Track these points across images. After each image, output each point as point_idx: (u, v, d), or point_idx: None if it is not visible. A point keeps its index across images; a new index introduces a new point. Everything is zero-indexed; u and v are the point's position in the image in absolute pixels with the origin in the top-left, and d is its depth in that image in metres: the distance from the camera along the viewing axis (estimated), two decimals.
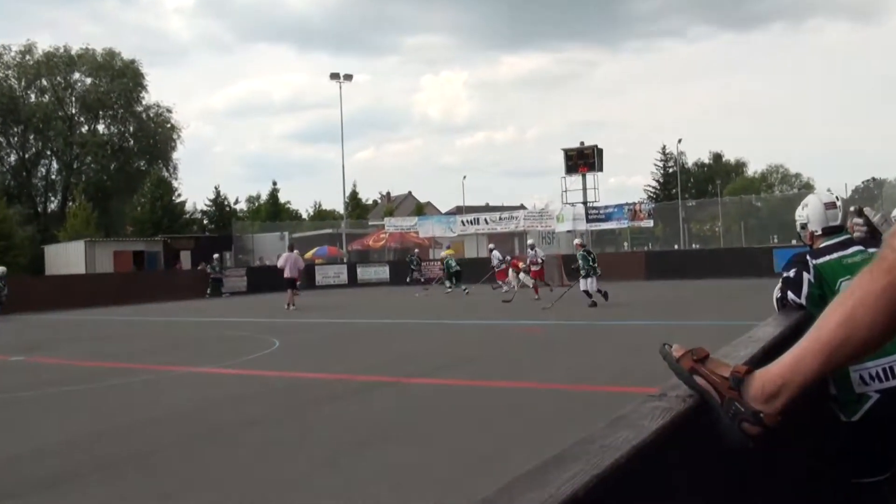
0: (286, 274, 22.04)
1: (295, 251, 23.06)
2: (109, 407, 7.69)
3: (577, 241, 19.06)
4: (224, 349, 12.48)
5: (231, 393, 8.20)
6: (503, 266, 26.57)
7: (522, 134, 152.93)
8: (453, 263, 26.72)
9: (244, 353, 11.52)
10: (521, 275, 27.26)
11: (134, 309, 24.62)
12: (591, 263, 17.80)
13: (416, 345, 12.23)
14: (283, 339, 13.43)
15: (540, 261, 24.82)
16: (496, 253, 27.33)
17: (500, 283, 26.08)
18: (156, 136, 52.50)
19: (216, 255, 31.19)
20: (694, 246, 38.87)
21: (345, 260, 43.08)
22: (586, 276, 17.76)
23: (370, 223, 54.64)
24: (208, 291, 29.94)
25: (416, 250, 32.78)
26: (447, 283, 25.78)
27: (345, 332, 14.75)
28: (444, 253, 29.79)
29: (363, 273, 35.74)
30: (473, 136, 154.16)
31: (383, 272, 35.73)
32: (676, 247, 36.83)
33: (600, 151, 35.76)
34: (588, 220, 33.09)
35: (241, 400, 7.71)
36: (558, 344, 11.47)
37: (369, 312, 19.37)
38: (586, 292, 17.79)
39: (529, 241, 27.50)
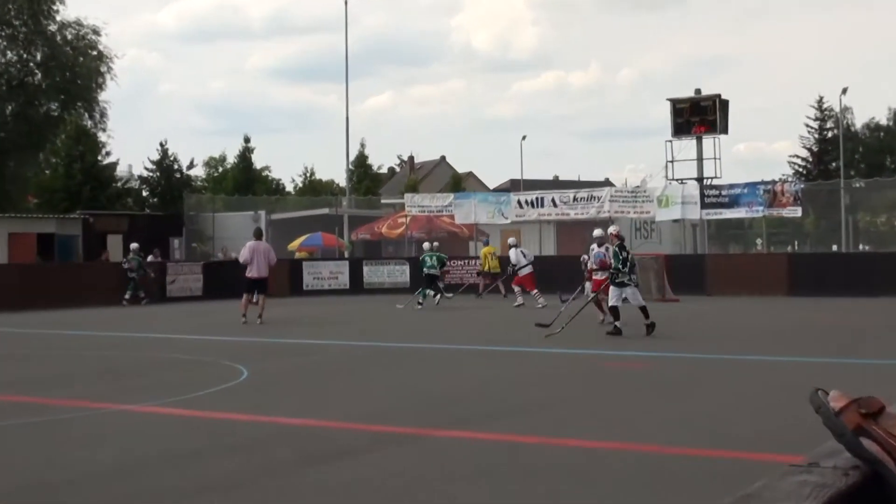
0: (251, 272, 22.08)
1: (263, 241, 22.98)
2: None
3: (612, 228, 18.89)
4: (171, 379, 12.62)
5: (177, 444, 8.24)
6: (525, 271, 27.13)
7: (611, 76, 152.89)
8: (429, 261, 27.88)
9: (198, 386, 11.63)
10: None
11: (38, 318, 25.01)
12: (623, 265, 17.44)
13: (448, 381, 12.26)
14: (253, 366, 13.54)
15: (526, 263, 26.31)
16: (518, 252, 27.34)
17: (525, 292, 26.63)
18: (75, 69, 52.36)
19: (134, 245, 31.61)
20: (862, 247, 38.48)
21: (346, 254, 43.32)
22: (620, 284, 17.42)
23: (384, 201, 54.96)
24: (126, 296, 30.29)
25: (435, 243, 32.04)
26: (424, 296, 27.27)
27: (343, 360, 14.83)
28: (426, 245, 30.33)
29: (372, 274, 35.93)
30: (539, 77, 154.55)
31: (401, 273, 35.83)
32: (835, 248, 36.47)
33: (725, 104, 35.62)
34: (704, 205, 32.92)
35: (191, 455, 7.74)
36: (658, 386, 11.43)
37: (379, 331, 19.43)
38: (613, 309, 17.43)
39: (511, 240, 28.38)
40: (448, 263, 30.28)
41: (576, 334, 17.79)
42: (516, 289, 26.87)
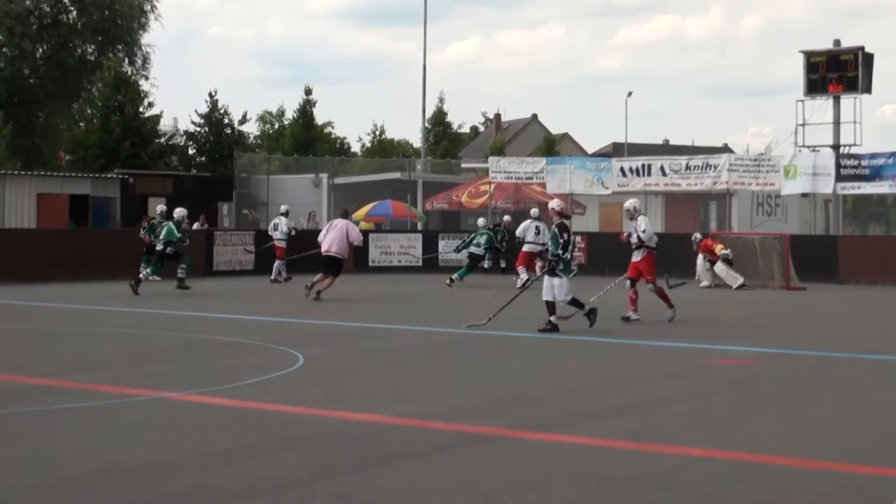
0: (330, 248, 22.50)
1: (348, 220, 23.58)
2: (29, 448, 7.98)
3: (554, 203, 17.68)
4: (216, 364, 12.85)
5: (220, 438, 8.41)
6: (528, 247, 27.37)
7: (734, 23, 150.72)
8: (477, 239, 29.13)
9: (246, 373, 11.80)
10: (719, 265, 27.36)
11: (68, 290, 25.52)
12: (563, 250, 16.67)
13: (532, 375, 12.32)
14: (309, 352, 13.72)
15: (541, 243, 26.24)
16: (536, 226, 27.45)
17: (525, 273, 26.67)
18: (115, 6, 51.46)
19: (160, 209, 27.75)
20: None
21: (419, 226, 43.45)
22: (553, 272, 16.62)
23: (464, 165, 54.95)
24: (146, 273, 25.71)
25: (507, 217, 32.54)
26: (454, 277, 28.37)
27: (414, 348, 14.99)
28: (480, 221, 31.75)
29: (448, 249, 35.96)
30: (649, 23, 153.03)
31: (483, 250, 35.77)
32: None
33: (868, 58, 34.88)
34: (840, 178, 32.40)
35: (235, 452, 7.89)
36: (771, 386, 11.36)
37: (456, 315, 19.48)
38: (549, 303, 16.63)
39: (534, 212, 28.83)
40: (501, 242, 29.57)
41: (673, 325, 17.70)
42: (727, 273, 27.67)
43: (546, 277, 16.80)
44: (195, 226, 33.68)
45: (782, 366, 13.25)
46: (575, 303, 16.89)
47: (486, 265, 30.62)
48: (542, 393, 10.87)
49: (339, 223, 22.93)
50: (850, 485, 7.10)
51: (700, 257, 28.79)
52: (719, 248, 28.13)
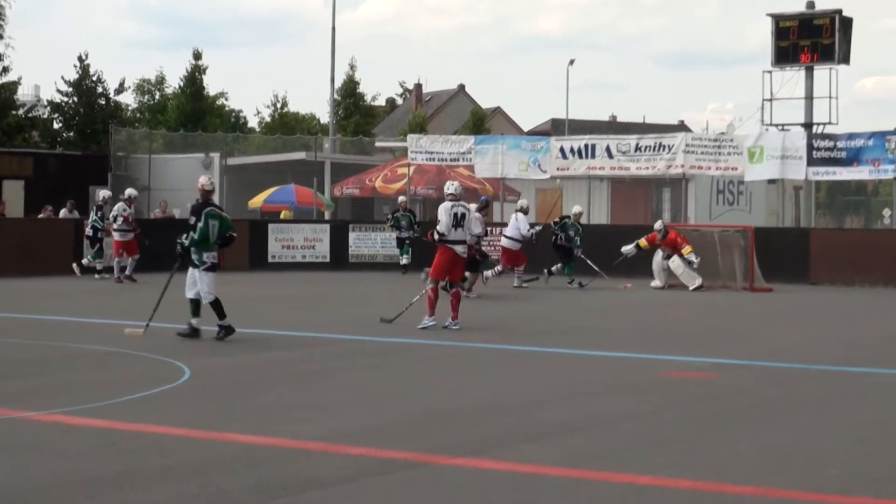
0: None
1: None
2: None
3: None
4: (85, 378, 12.71)
5: (87, 466, 8.30)
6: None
7: None
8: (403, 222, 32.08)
9: (121, 389, 11.70)
10: (675, 261, 27.51)
11: None
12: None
13: (459, 390, 12.32)
14: (197, 363, 13.64)
15: (530, 235, 28.10)
16: (519, 219, 28.83)
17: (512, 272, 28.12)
18: None
19: (104, 195, 30.75)
20: None
21: (326, 215, 43.32)
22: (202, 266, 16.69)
23: (379, 143, 54.92)
24: (88, 260, 30.03)
25: (402, 199, 35.41)
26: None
27: (319, 358, 14.94)
28: (401, 199, 34.96)
29: (360, 242, 36.02)
30: None
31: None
32: None
33: (847, 23, 35.38)
34: (812, 161, 32.68)
35: (105, 481, 7.80)
36: (735, 403, 11.52)
37: (369, 321, 19.44)
38: (193, 302, 16.77)
39: (522, 203, 29.80)
40: (418, 227, 33.04)
41: (625, 334, 17.83)
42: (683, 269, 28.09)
43: (190, 270, 16.76)
44: (62, 213, 33.32)
45: (745, 379, 13.39)
46: (216, 306, 16.56)
47: (404, 260, 31.46)
48: (471, 411, 10.88)
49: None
50: None
51: (658, 253, 28.77)
52: (687, 251, 27.97)
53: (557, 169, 36.20)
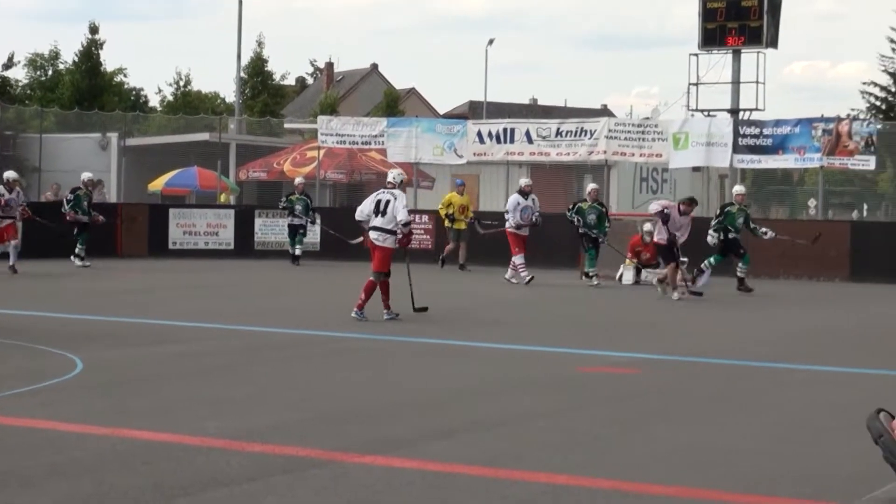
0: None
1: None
2: None
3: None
4: None
5: None
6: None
7: None
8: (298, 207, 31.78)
9: (9, 381, 11.63)
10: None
11: None
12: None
13: (370, 385, 12.34)
14: (91, 356, 13.52)
15: (534, 220, 26.99)
16: (516, 200, 27.74)
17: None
18: None
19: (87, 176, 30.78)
20: None
21: (231, 199, 43.08)
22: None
23: (287, 125, 54.72)
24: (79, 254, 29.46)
25: (299, 180, 34.75)
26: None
27: (221, 351, 14.88)
28: (298, 180, 34.16)
29: (266, 229, 35.84)
30: None
31: (311, 230, 35.73)
32: None
33: (775, 6, 35.68)
34: (738, 149, 32.97)
35: None
36: (656, 401, 11.66)
37: (279, 311, 19.40)
38: None
39: (524, 182, 28.63)
40: (314, 213, 33.16)
41: (544, 327, 17.94)
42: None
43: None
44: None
45: (666, 375, 13.52)
46: None
47: (297, 251, 31.23)
48: (382, 407, 10.89)
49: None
50: None
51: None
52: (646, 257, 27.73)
53: (474, 154, 36.06)
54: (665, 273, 23.34)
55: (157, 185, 43.97)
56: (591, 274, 26.37)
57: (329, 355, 14.67)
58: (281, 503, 7.31)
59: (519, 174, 34.75)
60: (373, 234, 18.56)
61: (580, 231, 26.63)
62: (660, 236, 23.40)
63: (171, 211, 35.85)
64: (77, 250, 28.73)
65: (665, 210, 23.18)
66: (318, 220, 33.09)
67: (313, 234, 33.70)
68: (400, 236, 18.48)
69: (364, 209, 18.57)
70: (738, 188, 28.10)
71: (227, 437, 9.14)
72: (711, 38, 35.48)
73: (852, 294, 25.09)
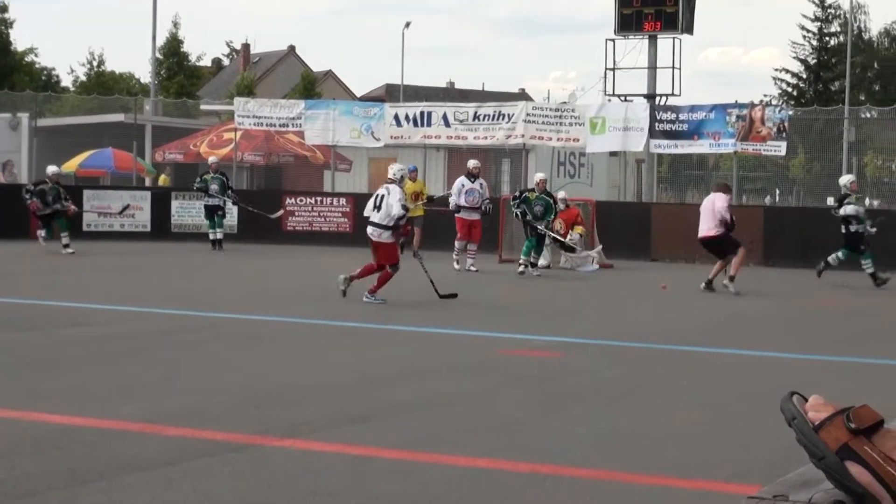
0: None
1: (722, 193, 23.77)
2: None
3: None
4: None
5: None
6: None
7: None
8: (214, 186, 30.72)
9: None
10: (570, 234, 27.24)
11: None
12: None
13: (287, 369, 12.32)
14: (2, 337, 13.52)
15: (483, 208, 26.36)
16: (461, 182, 27.17)
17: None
18: None
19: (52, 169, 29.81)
20: (870, 202, 39.39)
21: (146, 182, 42.77)
22: None
23: (204, 107, 54.42)
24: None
25: (213, 159, 33.61)
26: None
27: (136, 334, 14.75)
28: (212, 159, 33.26)
29: (183, 211, 35.59)
30: None
31: (229, 210, 35.44)
32: (832, 201, 37.22)
33: None
34: (655, 134, 33.22)
35: None
36: (573, 384, 11.70)
37: (195, 294, 19.29)
38: None
39: (472, 163, 27.66)
40: (232, 193, 31.94)
41: (464, 311, 17.98)
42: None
43: None
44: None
45: (586, 359, 13.56)
46: None
47: (217, 234, 30.50)
48: (299, 390, 10.88)
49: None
50: (661, 499, 7.34)
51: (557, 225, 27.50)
52: (580, 230, 27.78)
53: (391, 137, 35.99)
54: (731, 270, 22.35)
55: (72, 166, 43.53)
56: (521, 262, 25.49)
57: (246, 339, 14.58)
58: (199, 487, 7.25)
59: (436, 158, 34.74)
60: (369, 229, 18.69)
61: (525, 220, 25.66)
62: (720, 230, 22.20)
63: (86, 192, 35.41)
64: (64, 240, 27.92)
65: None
66: (237, 199, 32.20)
67: (231, 217, 33.26)
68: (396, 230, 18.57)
69: (369, 205, 18.80)
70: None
71: (142, 420, 9.07)
72: (628, 23, 35.66)
73: (766, 279, 25.33)
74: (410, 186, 29.08)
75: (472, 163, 27.35)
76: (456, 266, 25.43)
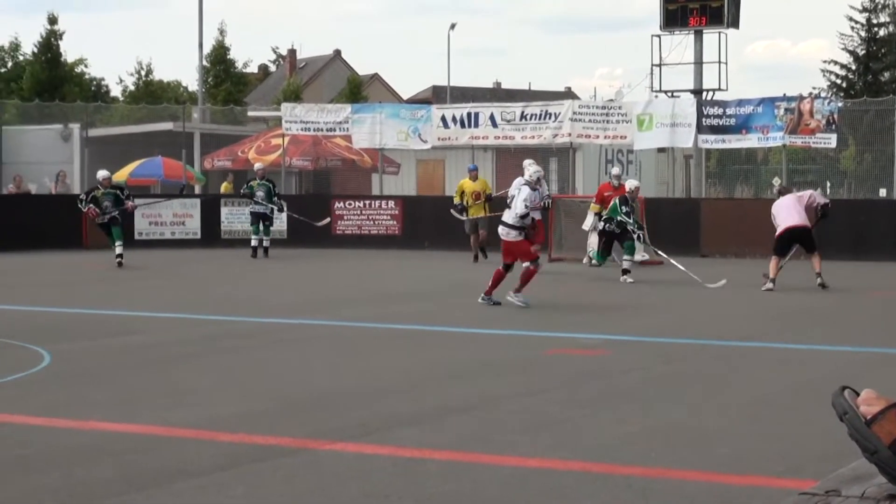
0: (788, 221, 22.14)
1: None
2: None
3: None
4: None
5: None
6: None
7: None
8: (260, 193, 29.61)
9: None
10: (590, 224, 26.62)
11: None
12: None
13: (339, 374, 12.34)
14: (60, 348, 13.46)
15: (544, 204, 24.43)
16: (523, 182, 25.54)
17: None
18: None
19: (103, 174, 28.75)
20: None
21: (197, 189, 42.94)
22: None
23: (251, 113, 54.58)
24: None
25: (258, 166, 32.77)
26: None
27: (189, 341, 14.80)
28: (258, 166, 32.17)
29: (233, 217, 35.66)
30: None
31: (277, 218, 35.54)
32: (884, 192, 37.00)
33: None
34: (702, 129, 33.05)
35: None
36: (622, 382, 11.69)
37: (246, 300, 19.35)
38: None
39: (529, 166, 25.84)
40: (278, 199, 30.98)
41: (509, 311, 17.95)
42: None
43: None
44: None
45: (635, 357, 13.51)
46: None
47: (260, 241, 29.84)
48: (348, 394, 10.88)
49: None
50: (713, 496, 7.31)
51: (590, 217, 27.16)
52: (596, 208, 26.65)
53: (439, 139, 35.91)
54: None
55: (122, 175, 43.71)
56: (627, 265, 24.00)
57: (295, 343, 14.62)
58: (252, 493, 7.29)
59: (484, 158, 34.62)
60: (499, 229, 18.94)
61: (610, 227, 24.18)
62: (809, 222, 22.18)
63: (137, 201, 35.60)
64: (118, 249, 27.10)
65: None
66: (284, 207, 31.59)
67: (280, 223, 33.27)
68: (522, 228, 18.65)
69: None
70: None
71: (194, 427, 9.11)
72: (673, 18, 35.56)
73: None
74: (471, 186, 28.82)
75: (531, 170, 23.04)
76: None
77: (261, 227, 30.33)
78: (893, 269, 24.53)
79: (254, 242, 30.21)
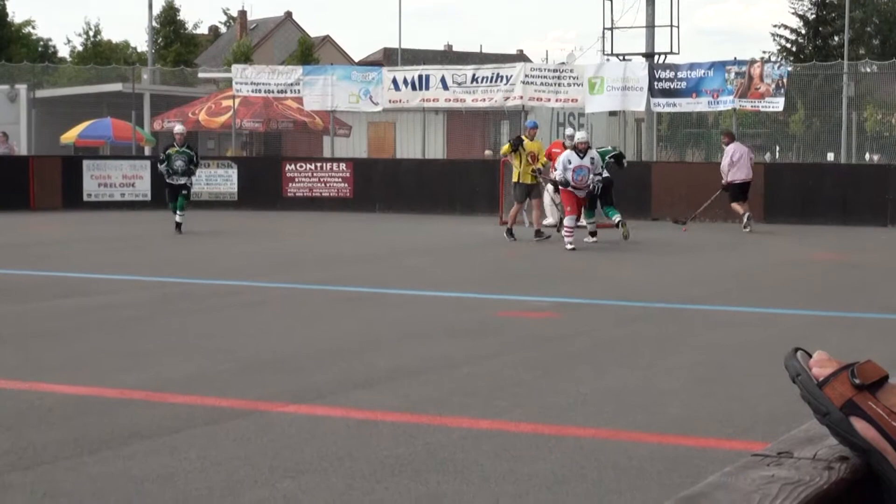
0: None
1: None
2: None
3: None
4: None
5: None
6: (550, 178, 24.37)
7: None
8: (180, 163, 26.00)
9: None
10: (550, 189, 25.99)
11: None
12: None
13: (291, 336, 12.32)
14: (4, 308, 13.55)
15: (588, 169, 22.48)
16: (567, 158, 22.94)
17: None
18: None
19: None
20: (870, 157, 39.36)
21: (146, 151, 42.68)
22: None
23: (202, 74, 54.21)
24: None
25: (178, 128, 28.19)
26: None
27: (140, 303, 14.78)
28: (178, 128, 28.34)
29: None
30: None
31: (226, 180, 35.47)
32: (832, 157, 37.25)
33: None
34: (654, 93, 33.13)
35: None
36: (572, 344, 11.73)
37: (195, 263, 19.28)
38: None
39: (571, 133, 25.68)
40: (196, 163, 26.92)
41: (462, 273, 17.97)
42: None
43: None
44: None
45: (586, 319, 13.59)
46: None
47: (177, 217, 27.01)
48: (302, 356, 10.90)
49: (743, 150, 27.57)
50: (664, 458, 7.34)
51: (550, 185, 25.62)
52: (543, 161, 25.15)
53: (390, 101, 35.87)
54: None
55: (71, 136, 43.45)
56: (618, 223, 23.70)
57: (248, 305, 14.58)
58: (204, 454, 7.26)
59: (435, 121, 34.55)
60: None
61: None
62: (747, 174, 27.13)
63: (85, 162, 35.38)
64: (178, 218, 25.62)
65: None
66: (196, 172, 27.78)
67: (232, 183, 33.08)
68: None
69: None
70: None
71: (147, 388, 9.09)
72: None
73: (767, 234, 25.33)
74: (528, 146, 25.30)
75: (579, 136, 23.72)
76: (568, 244, 22.00)
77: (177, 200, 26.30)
78: (840, 232, 24.68)
79: (178, 219, 25.85)
